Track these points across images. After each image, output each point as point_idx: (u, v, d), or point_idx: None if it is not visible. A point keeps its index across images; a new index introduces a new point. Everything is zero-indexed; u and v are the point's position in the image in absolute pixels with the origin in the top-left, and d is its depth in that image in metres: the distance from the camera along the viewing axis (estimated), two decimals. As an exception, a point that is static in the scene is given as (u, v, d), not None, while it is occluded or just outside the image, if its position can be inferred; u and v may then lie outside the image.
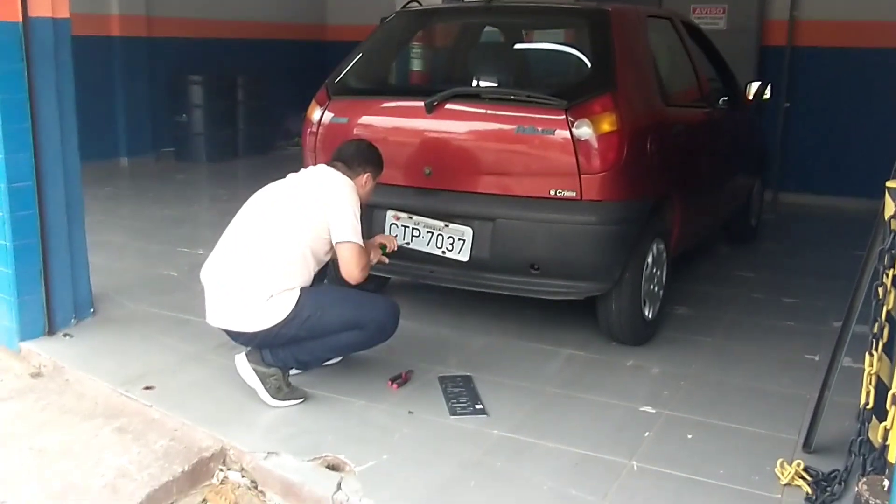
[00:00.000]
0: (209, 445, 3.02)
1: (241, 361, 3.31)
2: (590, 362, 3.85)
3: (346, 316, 3.24)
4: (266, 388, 3.27)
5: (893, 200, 2.56)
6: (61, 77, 3.84)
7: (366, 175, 3.48)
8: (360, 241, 3.30)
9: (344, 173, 3.41)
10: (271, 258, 3.20)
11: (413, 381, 3.54)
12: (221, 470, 2.97)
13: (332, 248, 3.33)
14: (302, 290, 3.21)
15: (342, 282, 3.38)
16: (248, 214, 3.38)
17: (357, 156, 3.50)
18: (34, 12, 3.69)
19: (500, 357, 3.87)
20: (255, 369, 3.28)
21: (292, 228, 3.25)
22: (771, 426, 3.20)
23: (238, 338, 3.33)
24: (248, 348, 3.34)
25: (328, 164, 3.48)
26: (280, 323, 3.17)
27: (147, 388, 3.43)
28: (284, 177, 3.50)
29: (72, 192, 3.97)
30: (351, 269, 3.28)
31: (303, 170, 3.55)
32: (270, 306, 3.16)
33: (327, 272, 3.53)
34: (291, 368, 3.38)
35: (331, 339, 3.28)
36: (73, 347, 3.87)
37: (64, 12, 3.83)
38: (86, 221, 4.11)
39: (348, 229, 3.26)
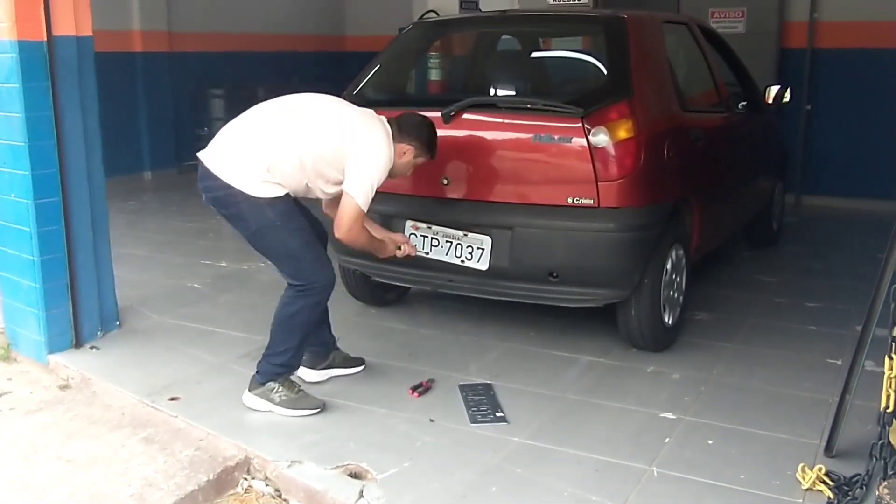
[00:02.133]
0: (233, 455, 3.06)
1: (246, 396, 3.38)
2: (610, 369, 3.85)
3: (294, 245, 3.21)
4: (277, 404, 3.31)
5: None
6: (85, 94, 3.92)
7: (409, 147, 3.44)
8: (365, 208, 3.23)
9: (393, 134, 3.38)
10: (284, 150, 3.19)
11: (434, 390, 3.56)
12: (246, 479, 3.02)
13: (327, 187, 3.30)
14: (287, 195, 3.21)
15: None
16: (281, 103, 3.38)
17: (412, 126, 3.46)
18: (58, 31, 3.77)
19: (520, 364, 3.89)
20: (256, 394, 3.34)
21: (315, 137, 3.23)
22: (792, 431, 3.19)
23: (205, 180, 3.28)
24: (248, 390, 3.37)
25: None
26: (249, 200, 3.15)
27: (172, 398, 3.49)
28: None
29: (97, 207, 4.04)
30: (342, 223, 3.21)
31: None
32: (255, 178, 3.15)
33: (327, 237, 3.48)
34: (279, 375, 3.34)
35: (281, 309, 3.27)
36: (99, 359, 3.94)
37: (87, 30, 3.92)
38: (111, 235, 4.19)
39: (362, 187, 3.20)
